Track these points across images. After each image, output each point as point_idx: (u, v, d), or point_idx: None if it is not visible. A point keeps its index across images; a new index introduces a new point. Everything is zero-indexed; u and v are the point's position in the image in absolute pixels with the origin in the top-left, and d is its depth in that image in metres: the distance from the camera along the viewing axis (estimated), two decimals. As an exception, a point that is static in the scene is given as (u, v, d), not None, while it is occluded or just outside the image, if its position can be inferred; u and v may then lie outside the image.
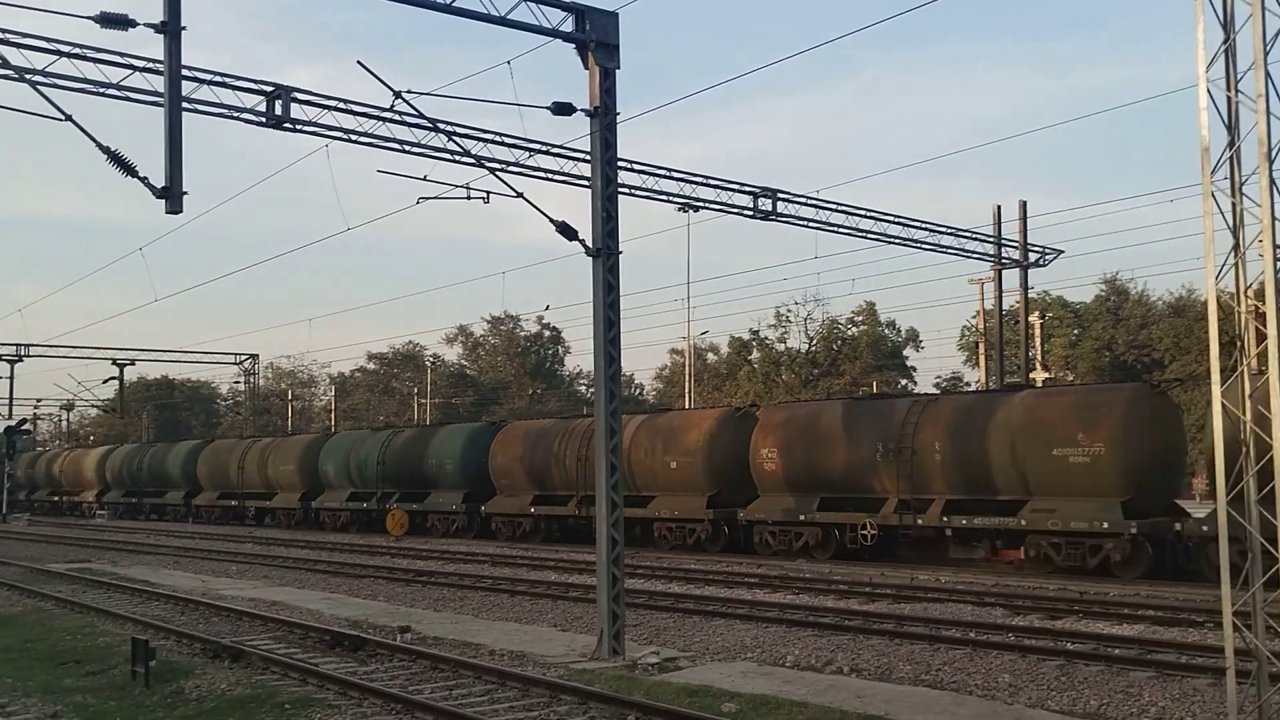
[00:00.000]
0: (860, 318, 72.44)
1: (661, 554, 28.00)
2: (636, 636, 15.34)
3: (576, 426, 33.00)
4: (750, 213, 28.12)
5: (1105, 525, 20.90)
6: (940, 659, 13.45)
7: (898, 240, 31.63)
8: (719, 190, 27.30)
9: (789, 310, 71.70)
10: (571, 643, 15.10)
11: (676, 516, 29.08)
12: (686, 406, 55.53)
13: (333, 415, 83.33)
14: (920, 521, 23.91)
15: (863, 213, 30.33)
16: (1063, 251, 37.64)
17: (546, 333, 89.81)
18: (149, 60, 18.40)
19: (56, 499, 64.37)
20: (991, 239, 36.31)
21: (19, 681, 13.41)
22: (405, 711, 10.97)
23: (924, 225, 32.21)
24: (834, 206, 29.48)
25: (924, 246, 32.73)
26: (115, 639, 15.94)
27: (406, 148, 19.46)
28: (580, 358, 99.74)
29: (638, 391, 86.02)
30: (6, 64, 14.94)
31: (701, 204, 27.25)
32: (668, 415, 33.22)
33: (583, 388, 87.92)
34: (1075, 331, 67.01)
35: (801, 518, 26.00)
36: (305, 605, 19.33)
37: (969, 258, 35.74)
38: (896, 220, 31.33)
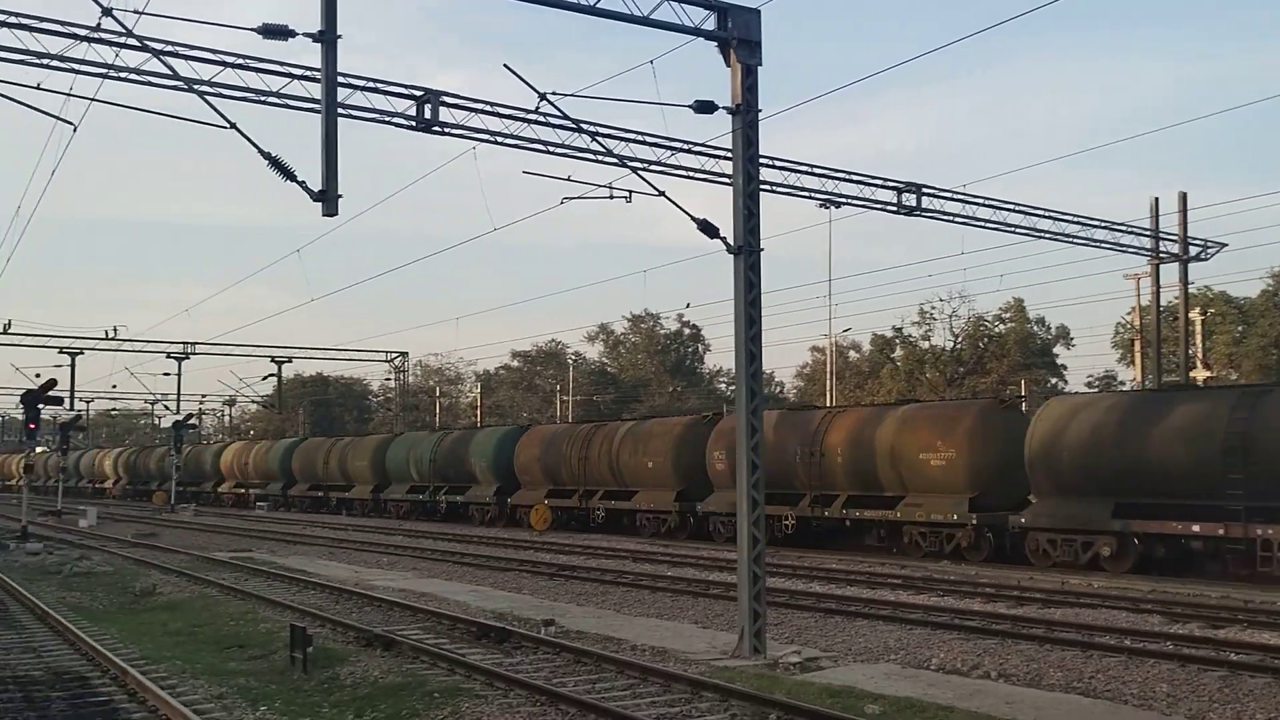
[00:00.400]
0: (1008, 314, 70.51)
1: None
2: (778, 635, 15.28)
3: (580, 431, 37.97)
4: (894, 208, 27.70)
5: (955, 517, 25.16)
6: (1093, 666, 13.03)
7: (1048, 235, 30.72)
8: (861, 186, 26.97)
9: (933, 307, 70.27)
10: (712, 640, 15.13)
11: (653, 509, 33.92)
12: (828, 404, 55.00)
13: (478, 412, 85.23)
14: (826, 514, 28.32)
15: (1011, 207, 29.57)
16: (1226, 245, 36.02)
17: (686, 330, 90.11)
18: (306, 69, 19.16)
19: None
20: (1149, 232, 34.95)
21: (187, 664, 14.12)
22: (549, 704, 11.15)
23: (1077, 219, 31.21)
24: (981, 201, 28.80)
25: (1076, 241, 31.71)
26: (275, 625, 16.63)
27: (551, 149, 19.78)
28: (720, 356, 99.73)
29: (778, 389, 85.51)
30: (176, 75, 15.74)
31: (843, 200, 26.97)
32: (648, 423, 37.95)
33: (722, 385, 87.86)
34: (1239, 328, 63.96)
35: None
36: (453, 597, 19.82)
37: (1124, 252, 34.48)
38: (1047, 214, 30.44)
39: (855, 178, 26.72)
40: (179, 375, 67.09)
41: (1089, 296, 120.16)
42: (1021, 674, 12.76)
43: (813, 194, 26.26)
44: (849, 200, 26.91)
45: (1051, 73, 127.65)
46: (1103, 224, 32.29)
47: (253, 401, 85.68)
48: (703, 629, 16.34)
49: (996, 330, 71.06)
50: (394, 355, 72.48)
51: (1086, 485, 22.79)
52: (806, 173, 25.60)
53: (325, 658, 13.71)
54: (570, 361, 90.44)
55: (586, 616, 17.45)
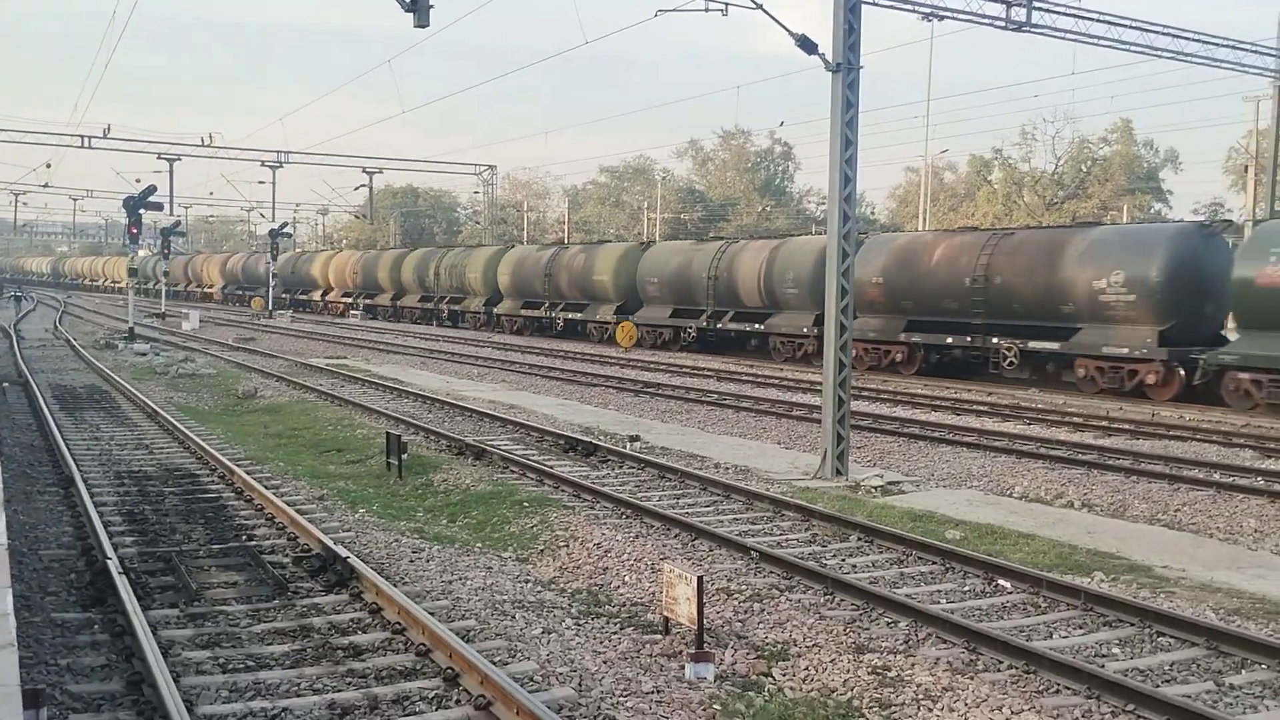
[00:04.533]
0: (1114, 136, 67.70)
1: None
2: (860, 459, 15.44)
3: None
4: (1002, 23, 26.33)
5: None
6: (1179, 499, 12.97)
7: (1166, 53, 29.06)
8: (968, -2, 25.58)
9: (1036, 128, 67.73)
10: (794, 461, 15.34)
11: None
12: (920, 228, 53.95)
13: (565, 227, 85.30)
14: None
15: (1128, 23, 27.95)
16: (1359, 65, 33.74)
17: (778, 149, 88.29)
18: None
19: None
20: (1274, 51, 32.90)
21: (289, 465, 14.76)
22: (634, 516, 11.48)
23: (1197, 37, 29.43)
24: (1096, 16, 27.23)
25: (1195, 60, 29.97)
26: (370, 431, 17.23)
27: (644, -44, 19.04)
28: (811, 175, 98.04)
29: (869, 211, 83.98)
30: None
31: (947, 13, 25.70)
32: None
33: (811, 205, 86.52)
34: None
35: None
36: (540, 410, 20.27)
37: (1246, 73, 32.52)
38: (1166, 31, 28.74)
39: (962, -11, 25.35)
40: (273, 183, 67.95)
41: (1203, 121, 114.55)
42: (1105, 504, 12.78)
43: (916, 6, 25.04)
44: (954, 14, 25.65)
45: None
46: (1225, 42, 30.44)
47: (345, 211, 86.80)
48: (785, 449, 16.56)
49: (1101, 153, 68.46)
50: (482, 168, 72.34)
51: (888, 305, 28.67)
52: (911, -16, 24.35)
53: (419, 464, 14.21)
54: (659, 178, 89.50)
55: (671, 433, 17.76)
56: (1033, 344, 25.25)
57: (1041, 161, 69.78)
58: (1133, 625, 8.14)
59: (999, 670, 7.20)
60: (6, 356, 29.40)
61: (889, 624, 8.15)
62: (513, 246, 55.10)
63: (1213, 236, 24.43)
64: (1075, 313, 24.54)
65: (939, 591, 9.07)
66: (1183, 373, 22.64)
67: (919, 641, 7.77)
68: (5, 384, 22.68)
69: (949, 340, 27.39)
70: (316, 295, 68.89)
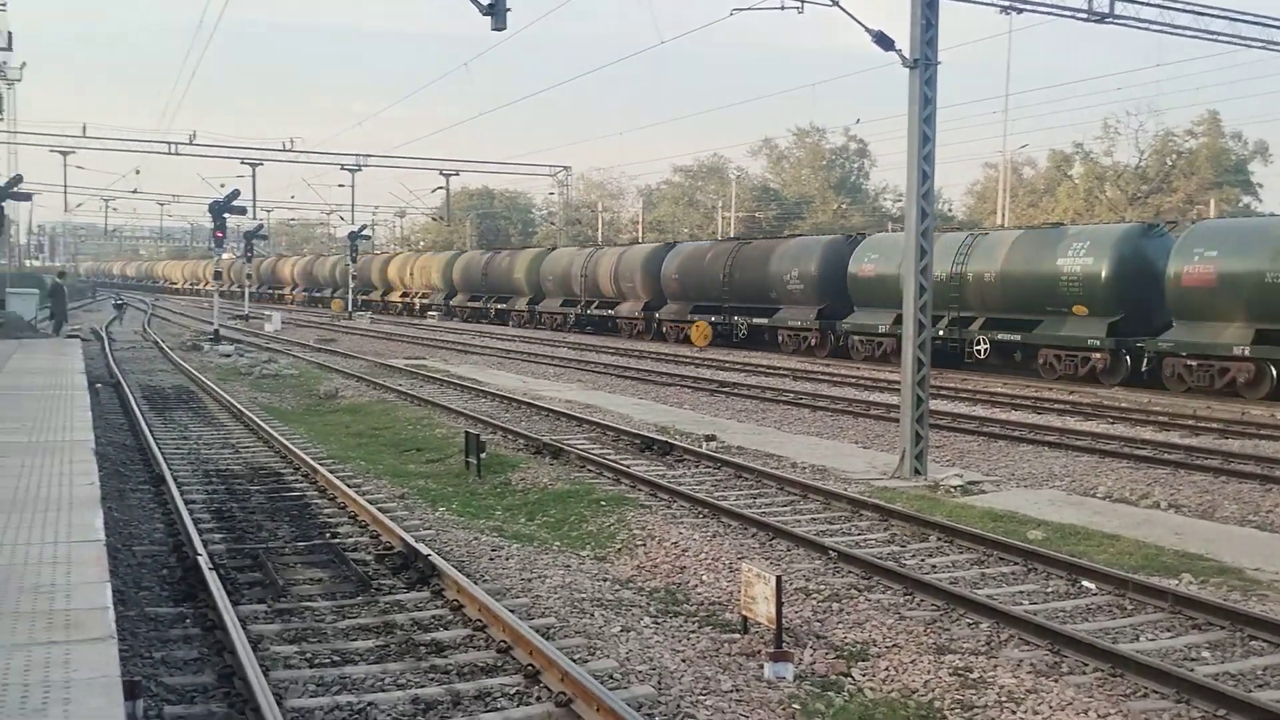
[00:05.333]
0: (1201, 128, 66.02)
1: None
2: (939, 458, 15.27)
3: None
4: (1084, 15, 25.87)
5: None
6: (1272, 500, 12.64)
7: (1256, 43, 28.31)
8: (1049, -10, 25.15)
9: (1119, 121, 66.33)
10: (872, 460, 15.23)
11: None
12: (1000, 224, 53.14)
13: (640, 227, 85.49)
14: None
15: (1216, 12, 27.27)
16: None
17: (853, 146, 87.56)
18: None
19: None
20: (1370, 38, 31.84)
21: (370, 464, 15.01)
22: (711, 516, 11.49)
23: (1289, 24, 28.58)
24: (1181, 6, 26.62)
25: (1286, 49, 29.12)
26: (449, 431, 17.45)
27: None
28: (887, 172, 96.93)
29: (947, 208, 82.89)
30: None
31: (1027, 6, 25.31)
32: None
33: (888, 203, 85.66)
34: None
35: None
36: (616, 409, 20.36)
37: (1340, 61, 31.57)
38: (1256, 20, 27.98)
39: (1041, -20, 24.91)
40: (352, 187, 69.19)
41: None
42: (1193, 505, 12.50)
43: (994, 0, 24.68)
44: (1034, 6, 25.25)
45: None
46: (1318, 30, 29.52)
47: (422, 213, 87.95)
48: (863, 449, 16.44)
49: (1187, 145, 66.83)
50: (557, 169, 72.82)
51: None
52: (989, -23, 23.99)
53: (497, 463, 14.36)
54: (733, 177, 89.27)
55: (747, 433, 17.73)
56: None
57: (1124, 155, 68.42)
58: (1223, 629, 7.95)
59: (1084, 673, 7.09)
60: (99, 358, 30.27)
61: (970, 625, 8.07)
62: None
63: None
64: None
65: (1021, 592, 8.95)
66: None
67: (1001, 643, 7.68)
68: (99, 385, 23.35)
69: (712, 319, 38.58)
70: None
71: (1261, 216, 40.81)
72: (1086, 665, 7.18)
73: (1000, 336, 27.73)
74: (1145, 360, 24.82)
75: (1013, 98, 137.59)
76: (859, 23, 14.22)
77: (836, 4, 14.69)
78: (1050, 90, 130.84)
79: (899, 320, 31.82)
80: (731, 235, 66.63)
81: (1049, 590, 9.01)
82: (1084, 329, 25.64)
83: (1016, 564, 9.69)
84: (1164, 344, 23.97)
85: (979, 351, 28.40)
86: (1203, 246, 23.61)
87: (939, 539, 10.59)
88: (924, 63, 13.86)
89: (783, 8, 14.80)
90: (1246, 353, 22.28)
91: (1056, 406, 21.20)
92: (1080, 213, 62.78)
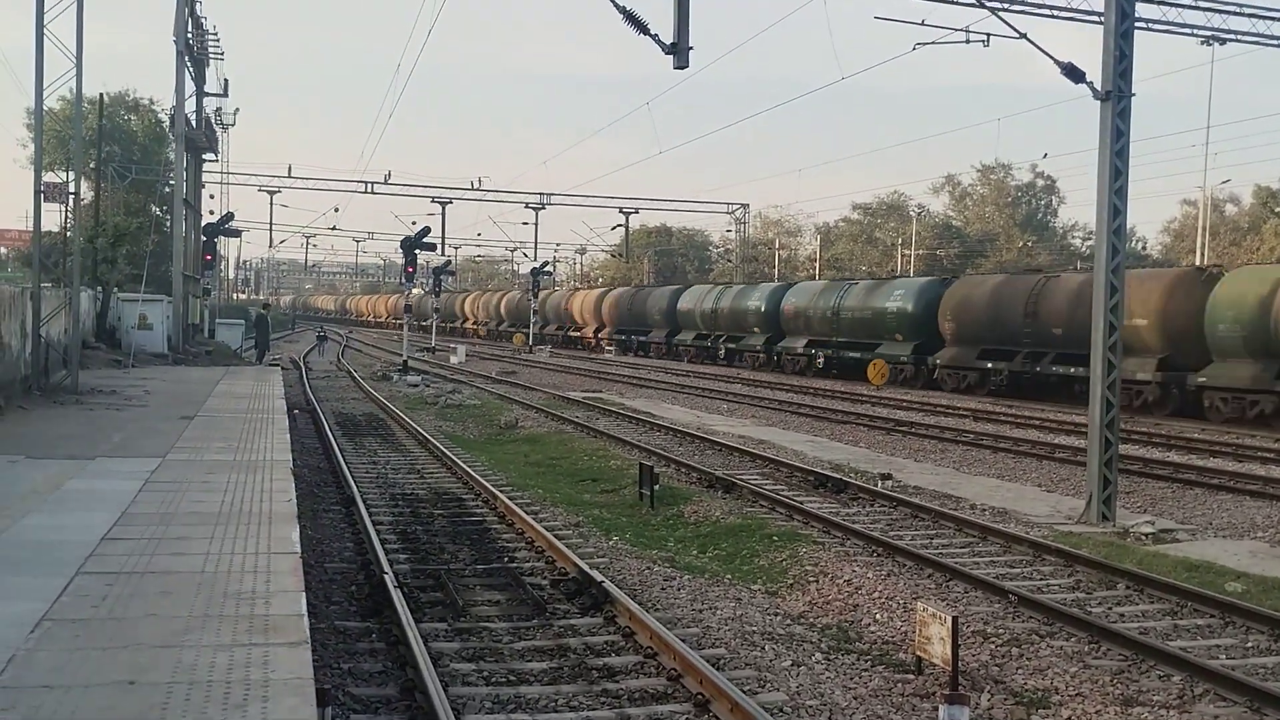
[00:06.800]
0: None
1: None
2: (1129, 504, 14.63)
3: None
4: (1292, 43, 24.56)
5: None
6: None
7: None
8: (1254, 19, 24.05)
9: (1333, 154, 62.31)
10: (1056, 504, 14.70)
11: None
12: (1199, 263, 50.60)
13: (817, 264, 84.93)
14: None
15: None
16: None
17: (1040, 182, 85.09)
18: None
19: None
20: None
21: (547, 493, 15.35)
22: (886, 555, 11.30)
23: None
24: (1403, 31, 24.96)
25: None
26: (623, 463, 17.68)
27: (902, -9, 18.90)
28: (1076, 210, 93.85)
29: (1140, 246, 79.52)
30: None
31: (1231, 35, 24.21)
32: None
33: (1077, 240, 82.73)
34: None
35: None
36: (790, 446, 20.24)
37: None
38: None
39: (1247, 9, 23.84)
40: (535, 224, 71.05)
41: None
42: None
43: (1194, 30, 23.73)
44: (1238, 36, 24.13)
45: None
46: None
47: (602, 250, 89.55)
48: (1046, 492, 15.89)
49: None
50: (735, 207, 73.15)
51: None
52: (1189, 6, 23.11)
53: (670, 495, 14.48)
54: (914, 214, 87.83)
55: (924, 472, 17.37)
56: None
57: (1340, 190, 64.27)
58: None
59: (1286, 734, 6.68)
60: (297, 385, 31.87)
61: (1161, 677, 7.70)
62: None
63: None
64: None
65: (1217, 646, 8.49)
66: None
67: (1194, 697, 7.30)
68: (296, 411, 24.61)
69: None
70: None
71: None
72: (1289, 726, 6.76)
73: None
74: None
75: (1214, 130, 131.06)
76: (1048, 55, 13.91)
77: (1024, 36, 14.42)
78: (1256, 122, 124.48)
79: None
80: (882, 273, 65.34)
81: (1249, 645, 8.52)
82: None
83: (1213, 616, 9.20)
84: None
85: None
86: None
87: (1128, 587, 10.14)
88: (1117, 95, 13.43)
89: (968, 41, 14.61)
90: None
91: (1260, 454, 20.00)
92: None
